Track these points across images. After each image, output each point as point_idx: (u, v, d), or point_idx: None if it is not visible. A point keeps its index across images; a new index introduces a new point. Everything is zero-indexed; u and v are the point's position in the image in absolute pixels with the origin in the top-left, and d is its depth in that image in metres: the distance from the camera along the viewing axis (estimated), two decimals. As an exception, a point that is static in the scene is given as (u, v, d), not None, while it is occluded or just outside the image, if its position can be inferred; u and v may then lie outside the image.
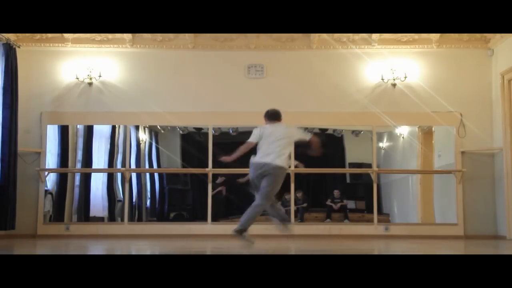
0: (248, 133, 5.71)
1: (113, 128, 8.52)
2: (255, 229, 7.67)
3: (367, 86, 8.28)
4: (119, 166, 8.37)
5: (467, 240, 7.65)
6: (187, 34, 8.11)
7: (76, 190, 8.45)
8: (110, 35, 8.23)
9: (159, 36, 8.24)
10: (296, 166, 7.87)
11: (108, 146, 8.54)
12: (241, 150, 5.53)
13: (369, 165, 8.31)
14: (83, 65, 8.19)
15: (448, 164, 8.26)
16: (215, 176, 8.32)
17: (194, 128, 8.64)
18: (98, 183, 8.51)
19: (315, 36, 8.17)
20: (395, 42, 8.27)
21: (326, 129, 8.74)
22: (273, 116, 5.67)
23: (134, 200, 8.46)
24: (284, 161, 5.46)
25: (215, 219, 8.15)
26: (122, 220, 8.19)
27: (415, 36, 8.21)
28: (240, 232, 5.25)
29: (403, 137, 8.76)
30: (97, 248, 5.64)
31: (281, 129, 5.57)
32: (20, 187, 7.64)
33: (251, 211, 5.35)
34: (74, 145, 8.48)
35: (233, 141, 6.05)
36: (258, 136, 5.51)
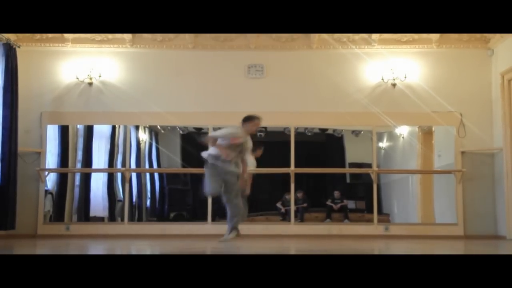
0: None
1: (113, 128, 8.52)
2: (255, 229, 7.76)
3: (367, 86, 8.28)
4: (119, 166, 8.37)
5: (467, 240, 7.64)
6: (187, 34, 8.11)
7: (76, 190, 8.45)
8: (110, 35, 8.23)
9: (159, 36, 8.24)
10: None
11: (108, 146, 8.54)
12: None
13: (369, 165, 8.31)
14: (83, 65, 8.20)
15: (448, 164, 8.26)
16: (215, 176, 8.31)
17: (194, 128, 8.64)
18: (98, 183, 8.51)
19: (315, 36, 8.17)
20: (395, 42, 8.27)
21: (326, 129, 8.75)
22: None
23: (134, 200, 8.46)
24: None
25: (215, 219, 8.15)
26: (122, 220, 8.19)
27: (415, 36, 8.21)
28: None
29: (403, 137, 8.76)
30: (97, 248, 5.64)
31: None
32: (20, 187, 7.63)
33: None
34: (74, 145, 8.48)
35: (233, 141, 6.03)
36: None
